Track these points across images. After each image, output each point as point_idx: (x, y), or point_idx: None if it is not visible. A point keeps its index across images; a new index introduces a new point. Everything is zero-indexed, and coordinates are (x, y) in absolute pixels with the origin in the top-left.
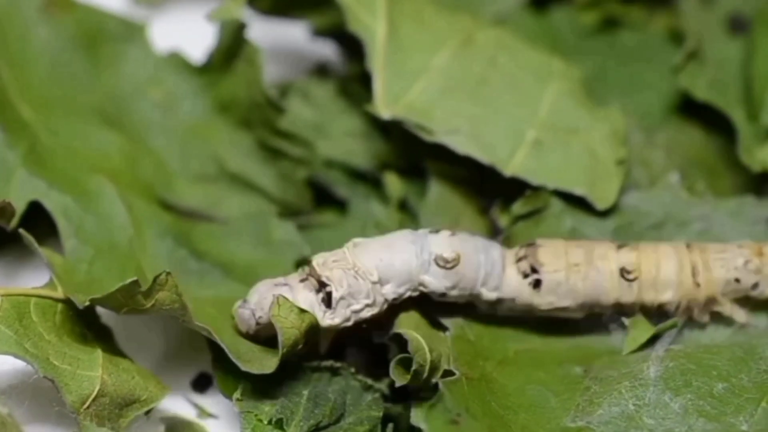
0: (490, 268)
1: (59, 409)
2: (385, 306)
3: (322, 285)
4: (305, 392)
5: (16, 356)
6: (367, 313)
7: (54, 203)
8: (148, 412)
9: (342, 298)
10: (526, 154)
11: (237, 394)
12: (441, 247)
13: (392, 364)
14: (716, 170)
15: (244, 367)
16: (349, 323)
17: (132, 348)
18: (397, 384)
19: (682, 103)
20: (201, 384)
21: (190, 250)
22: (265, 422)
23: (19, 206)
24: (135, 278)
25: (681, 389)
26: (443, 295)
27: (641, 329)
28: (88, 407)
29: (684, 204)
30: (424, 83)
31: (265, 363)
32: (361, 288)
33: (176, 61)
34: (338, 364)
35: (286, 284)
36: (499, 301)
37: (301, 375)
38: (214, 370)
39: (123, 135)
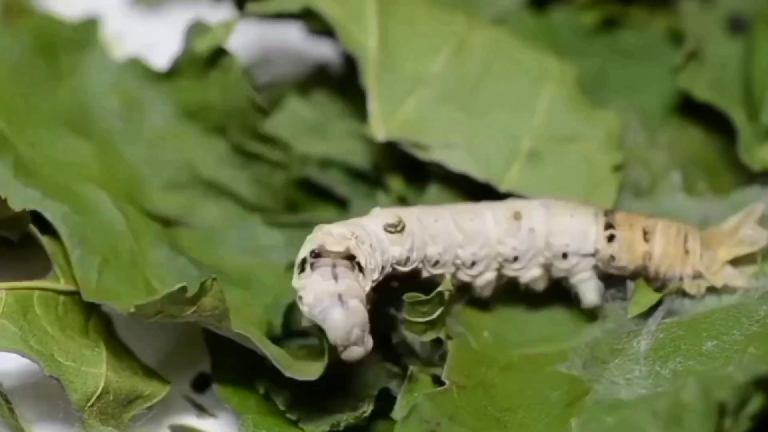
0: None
1: (65, 406)
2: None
3: (350, 258)
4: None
5: (21, 354)
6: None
7: (53, 213)
8: (150, 408)
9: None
10: (521, 168)
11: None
12: (385, 216)
13: None
14: (717, 170)
15: (288, 374)
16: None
17: (131, 349)
18: None
19: (682, 103)
20: (201, 384)
21: (187, 257)
22: None
23: None
24: (183, 284)
25: (670, 356)
26: (407, 261)
27: (645, 294)
28: (92, 405)
29: (684, 206)
30: (418, 96)
31: (307, 369)
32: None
33: (137, 67)
34: (395, 368)
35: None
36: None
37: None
38: (213, 376)
39: (94, 144)
